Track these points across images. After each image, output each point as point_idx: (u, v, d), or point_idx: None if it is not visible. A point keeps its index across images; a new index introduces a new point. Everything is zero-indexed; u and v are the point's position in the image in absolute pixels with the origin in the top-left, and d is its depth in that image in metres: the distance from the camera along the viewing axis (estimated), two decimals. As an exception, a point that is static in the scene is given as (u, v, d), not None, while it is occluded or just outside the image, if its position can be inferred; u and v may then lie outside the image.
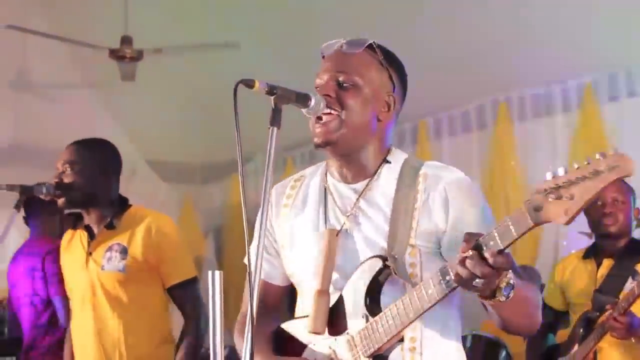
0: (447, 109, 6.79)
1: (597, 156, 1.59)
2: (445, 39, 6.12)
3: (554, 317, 4.44)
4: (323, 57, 2.20)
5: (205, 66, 7.26)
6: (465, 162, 6.67)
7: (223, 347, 1.77)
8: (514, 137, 6.41)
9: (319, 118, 2.09)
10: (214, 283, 1.78)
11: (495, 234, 1.75)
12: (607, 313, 3.88)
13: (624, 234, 4.08)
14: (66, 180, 3.28)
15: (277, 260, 2.30)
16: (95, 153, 3.37)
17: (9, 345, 5.77)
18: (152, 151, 9.09)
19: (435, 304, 1.91)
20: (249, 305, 1.76)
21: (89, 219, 3.37)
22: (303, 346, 2.16)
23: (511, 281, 1.84)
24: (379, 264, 2.04)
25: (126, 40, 6.70)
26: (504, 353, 5.22)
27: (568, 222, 1.64)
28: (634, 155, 1.61)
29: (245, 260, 2.18)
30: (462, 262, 1.77)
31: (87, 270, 3.33)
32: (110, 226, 3.33)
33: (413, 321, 1.95)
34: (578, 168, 1.61)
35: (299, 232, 2.23)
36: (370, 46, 2.17)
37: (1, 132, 8.24)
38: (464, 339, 4.97)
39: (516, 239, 1.73)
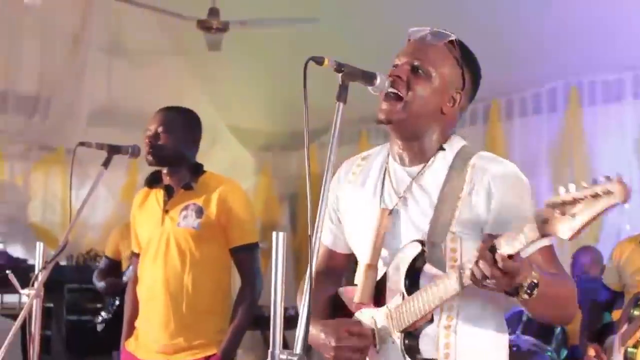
0: (519, 91, 6.87)
1: (601, 178, 1.64)
2: (522, 20, 6.17)
3: (611, 297, 4.60)
4: (409, 40, 2.24)
5: (287, 38, 7.41)
6: (534, 144, 6.80)
7: (284, 307, 1.78)
8: (583, 121, 6.46)
9: (387, 95, 2.15)
10: (277, 244, 1.78)
11: (509, 239, 1.82)
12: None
13: None
14: (160, 140, 3.50)
15: (340, 230, 2.39)
16: (184, 119, 3.60)
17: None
18: (234, 118, 9.29)
19: (454, 295, 1.99)
20: (308, 269, 1.82)
21: (170, 179, 3.57)
22: (352, 313, 2.31)
23: (534, 281, 1.89)
24: (418, 248, 2.12)
25: (213, 12, 6.85)
26: (559, 329, 5.38)
27: (571, 239, 1.72)
28: None
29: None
30: (477, 262, 1.86)
31: (163, 226, 3.53)
32: (187, 187, 3.53)
33: (437, 307, 2.06)
34: (584, 188, 1.65)
35: (356, 208, 2.31)
36: (451, 41, 2.22)
37: (96, 94, 8.57)
38: (519, 313, 5.13)
39: (525, 247, 1.80)
